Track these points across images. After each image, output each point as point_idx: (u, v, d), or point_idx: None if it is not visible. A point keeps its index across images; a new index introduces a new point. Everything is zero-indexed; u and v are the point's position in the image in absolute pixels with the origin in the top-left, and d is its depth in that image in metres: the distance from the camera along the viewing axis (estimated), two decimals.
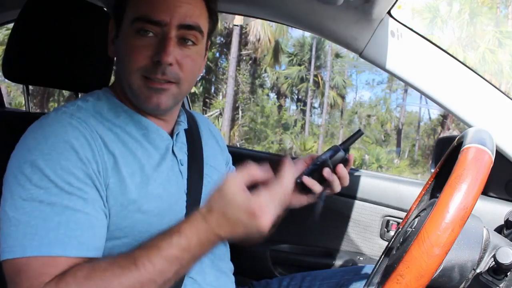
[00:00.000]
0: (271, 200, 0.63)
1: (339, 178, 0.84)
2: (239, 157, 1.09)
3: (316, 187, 0.84)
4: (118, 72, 0.81)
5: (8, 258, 0.63)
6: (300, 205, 0.88)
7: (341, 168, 0.84)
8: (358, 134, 0.87)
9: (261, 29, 16.54)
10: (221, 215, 0.62)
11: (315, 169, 0.85)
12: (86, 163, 0.68)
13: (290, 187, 0.66)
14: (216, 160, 0.95)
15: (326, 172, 0.84)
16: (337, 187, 0.85)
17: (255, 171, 0.65)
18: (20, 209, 0.64)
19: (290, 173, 0.66)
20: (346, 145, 0.86)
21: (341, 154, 0.84)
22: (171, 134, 0.85)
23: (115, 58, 0.84)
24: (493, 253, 0.63)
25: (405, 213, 0.95)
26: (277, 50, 18.47)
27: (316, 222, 0.80)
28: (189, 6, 0.75)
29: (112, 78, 1.06)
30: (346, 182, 0.86)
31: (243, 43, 17.83)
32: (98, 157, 0.70)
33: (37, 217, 0.63)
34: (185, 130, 0.89)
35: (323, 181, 0.85)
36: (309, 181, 0.85)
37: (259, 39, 16.87)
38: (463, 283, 0.64)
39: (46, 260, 0.63)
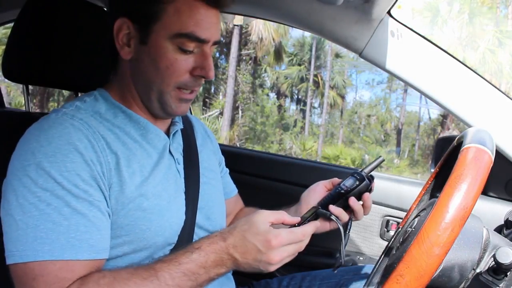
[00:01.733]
0: (289, 240, 0.68)
1: (363, 207, 0.86)
2: (237, 156, 1.09)
3: (343, 215, 0.85)
4: (136, 76, 0.79)
5: (18, 262, 0.63)
6: (321, 232, 0.88)
7: (367, 197, 0.85)
8: (379, 160, 0.86)
9: (263, 28, 16.53)
10: (240, 236, 0.68)
11: (340, 196, 0.85)
12: (91, 165, 0.68)
13: (308, 239, 0.71)
14: (210, 160, 0.97)
15: (353, 201, 0.84)
16: (361, 216, 0.86)
17: (286, 216, 0.72)
18: (27, 212, 0.64)
19: (313, 227, 0.72)
20: (367, 171, 0.86)
21: (366, 183, 0.84)
22: (167, 133, 0.86)
23: (119, 59, 0.82)
24: (493, 253, 0.63)
25: (405, 213, 0.95)
26: (279, 49, 18.45)
27: (342, 259, 0.82)
28: (219, 24, 0.79)
29: None
30: (369, 211, 0.87)
31: (243, 43, 17.83)
32: (101, 158, 0.70)
33: (45, 220, 0.64)
34: (181, 130, 0.90)
35: (346, 208, 0.85)
36: (335, 209, 0.84)
37: (261, 39, 16.86)
38: (463, 283, 0.64)
39: (61, 264, 0.63)
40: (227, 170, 1.10)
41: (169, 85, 0.76)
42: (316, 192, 0.91)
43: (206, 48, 0.77)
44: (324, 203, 0.86)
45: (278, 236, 0.67)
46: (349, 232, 0.85)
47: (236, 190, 1.12)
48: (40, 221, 0.63)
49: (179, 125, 0.89)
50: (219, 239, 0.68)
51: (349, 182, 0.85)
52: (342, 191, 0.84)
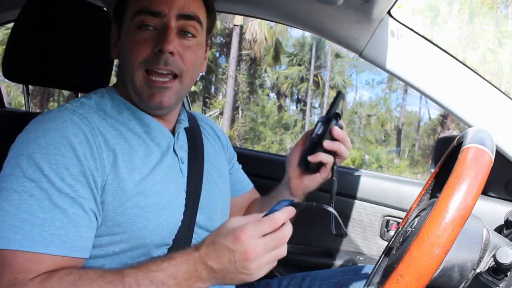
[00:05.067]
0: (258, 230, 0.62)
1: (342, 143, 0.85)
2: (239, 157, 1.09)
3: (326, 157, 0.85)
4: (122, 72, 0.81)
5: None
6: (317, 185, 0.90)
7: (337, 131, 0.84)
8: (339, 96, 0.86)
9: (258, 28, 16.56)
10: (211, 242, 0.64)
11: (315, 145, 0.85)
12: (82, 161, 0.68)
13: (288, 230, 0.65)
14: (218, 157, 0.96)
15: (328, 144, 0.83)
16: (345, 152, 0.85)
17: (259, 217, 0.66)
18: (10, 200, 0.64)
19: (285, 214, 0.65)
20: (332, 111, 0.85)
21: (333, 123, 0.84)
22: (173, 132, 0.86)
23: (116, 60, 0.86)
24: (493, 253, 0.63)
25: (405, 213, 0.95)
26: (275, 49, 18.47)
27: (333, 204, 0.81)
28: None
29: (113, 79, 1.06)
30: (349, 143, 0.86)
31: (243, 43, 17.83)
32: (96, 154, 0.70)
33: (24, 210, 0.64)
34: (186, 128, 0.89)
35: (328, 153, 0.85)
36: (315, 157, 0.84)
37: (255, 38, 16.88)
38: (463, 283, 0.64)
39: (31, 256, 0.63)
40: (240, 166, 1.09)
41: (135, 67, 0.75)
42: (295, 152, 0.91)
43: (168, 22, 0.76)
44: (304, 159, 0.87)
45: (244, 228, 0.61)
46: (336, 177, 0.85)
47: (251, 186, 1.10)
48: (19, 210, 0.64)
49: (185, 123, 0.89)
50: (192, 249, 0.64)
51: (318, 130, 0.85)
52: (315, 140, 0.85)
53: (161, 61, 0.75)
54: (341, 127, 0.85)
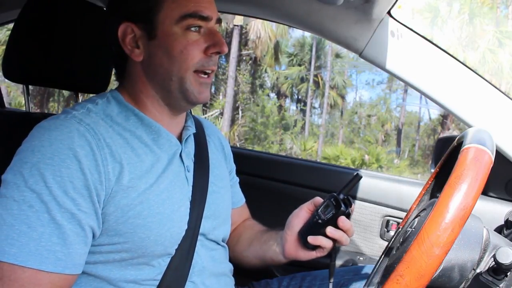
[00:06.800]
0: None
1: (345, 232, 0.83)
2: (237, 157, 1.09)
3: (325, 242, 0.83)
4: (157, 74, 0.78)
5: None
6: (309, 259, 0.88)
7: (343, 221, 0.82)
8: (356, 178, 0.83)
9: (261, 28, 16.59)
10: None
11: (318, 226, 0.83)
12: (87, 174, 0.67)
13: None
14: (221, 168, 0.95)
15: (330, 232, 0.82)
16: (346, 241, 0.83)
17: None
18: (9, 209, 0.63)
19: None
20: (345, 191, 0.83)
21: (343, 210, 0.81)
22: (179, 139, 0.84)
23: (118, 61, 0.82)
24: (493, 253, 0.63)
25: (405, 213, 0.95)
26: (277, 49, 18.50)
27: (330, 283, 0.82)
28: (214, 2, 0.81)
29: (112, 79, 1.06)
30: (352, 232, 0.84)
31: (243, 43, 17.85)
32: (101, 167, 0.69)
33: (22, 222, 0.63)
34: (193, 134, 0.88)
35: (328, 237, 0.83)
36: (315, 240, 0.83)
37: (259, 37, 16.91)
38: (463, 283, 0.64)
39: (30, 273, 0.62)
40: (237, 180, 1.08)
41: (187, 69, 0.77)
42: (299, 217, 0.89)
43: (213, 25, 0.79)
44: (304, 234, 0.85)
45: None
46: (334, 261, 0.84)
47: (243, 201, 1.10)
48: (17, 221, 0.63)
49: (192, 130, 0.88)
50: None
51: (325, 210, 0.83)
52: (320, 221, 0.83)
53: (211, 63, 0.79)
54: (349, 215, 0.83)
